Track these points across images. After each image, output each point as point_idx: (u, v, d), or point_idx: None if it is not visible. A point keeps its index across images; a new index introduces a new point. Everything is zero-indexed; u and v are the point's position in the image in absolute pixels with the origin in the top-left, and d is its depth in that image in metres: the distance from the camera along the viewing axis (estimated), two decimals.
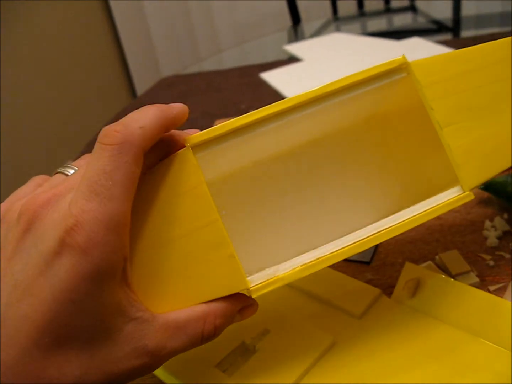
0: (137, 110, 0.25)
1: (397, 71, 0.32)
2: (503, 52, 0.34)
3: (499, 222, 0.42)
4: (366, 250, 0.41)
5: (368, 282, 0.38)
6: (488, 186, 0.45)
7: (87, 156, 0.26)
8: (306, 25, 1.38)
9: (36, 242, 0.22)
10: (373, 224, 0.30)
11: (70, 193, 0.23)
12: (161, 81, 1.04)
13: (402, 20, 1.25)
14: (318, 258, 0.29)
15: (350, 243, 0.29)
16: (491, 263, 0.39)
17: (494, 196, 0.45)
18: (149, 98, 0.95)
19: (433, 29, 1.12)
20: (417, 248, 0.42)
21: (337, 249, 0.29)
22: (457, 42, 0.90)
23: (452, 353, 0.31)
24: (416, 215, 0.30)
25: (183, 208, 0.27)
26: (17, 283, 0.22)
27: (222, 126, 0.28)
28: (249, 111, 0.29)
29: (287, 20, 1.45)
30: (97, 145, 0.24)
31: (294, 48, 1.00)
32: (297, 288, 0.38)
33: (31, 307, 0.21)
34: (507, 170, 0.49)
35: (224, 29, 2.16)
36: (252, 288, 0.28)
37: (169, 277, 0.27)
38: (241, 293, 0.28)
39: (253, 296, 0.28)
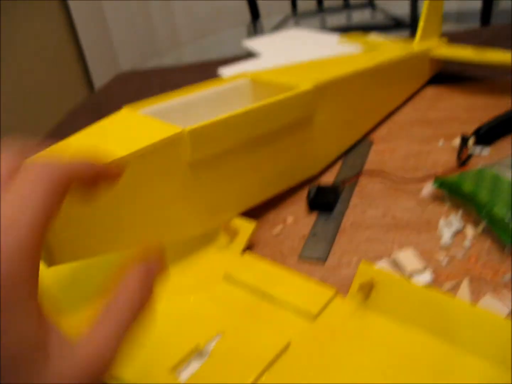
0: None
1: None
2: None
3: (453, 220, 0.43)
4: (321, 249, 0.41)
5: (324, 281, 0.38)
6: (442, 184, 0.45)
7: None
8: (266, 20, 1.37)
9: None
10: None
11: None
12: (117, 76, 1.02)
13: (360, 17, 1.26)
14: None
15: None
16: (445, 261, 0.39)
17: (449, 194, 0.45)
18: (105, 95, 0.92)
19: (391, 26, 1.13)
20: (372, 247, 0.41)
21: None
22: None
23: (407, 353, 0.31)
24: None
25: None
26: None
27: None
28: None
29: (247, 15, 1.44)
30: None
31: (252, 43, 0.99)
32: (249, 289, 0.37)
33: None
34: (461, 167, 0.49)
35: (184, 22, 2.13)
36: None
37: None
38: None
39: None
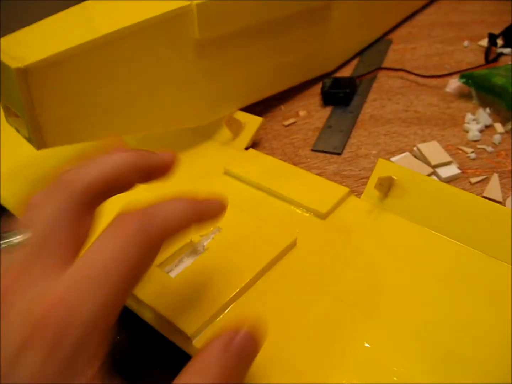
0: None
1: None
2: None
3: (481, 115, 0.39)
4: (337, 140, 0.38)
5: (340, 173, 0.35)
6: (469, 79, 0.41)
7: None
8: None
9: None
10: None
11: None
12: None
13: None
14: None
15: None
16: (473, 156, 0.36)
17: (476, 90, 0.41)
18: None
19: None
20: (393, 140, 0.38)
21: None
22: None
23: (426, 257, 0.28)
24: None
25: None
26: None
27: None
28: None
29: None
30: None
31: None
32: (253, 185, 0.34)
33: None
34: (490, 64, 0.45)
35: None
36: None
37: None
38: None
39: None
